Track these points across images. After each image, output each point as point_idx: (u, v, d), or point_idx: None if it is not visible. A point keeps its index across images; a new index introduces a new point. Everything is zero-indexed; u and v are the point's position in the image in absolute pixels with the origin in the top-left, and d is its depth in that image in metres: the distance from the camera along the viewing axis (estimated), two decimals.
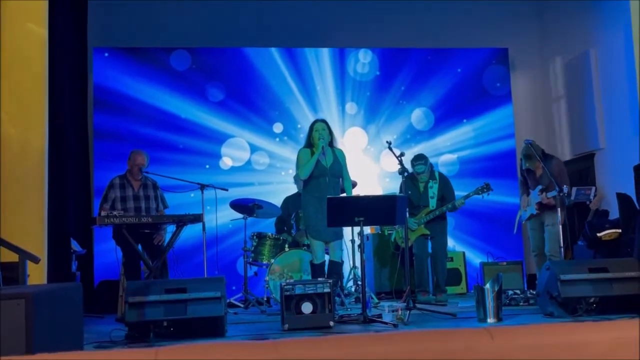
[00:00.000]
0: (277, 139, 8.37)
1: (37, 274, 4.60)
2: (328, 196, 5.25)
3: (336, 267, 5.87)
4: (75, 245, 6.54)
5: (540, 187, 6.39)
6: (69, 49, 7.01)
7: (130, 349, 1.69)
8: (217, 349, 1.31)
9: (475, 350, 1.41)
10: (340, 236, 5.84)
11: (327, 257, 5.97)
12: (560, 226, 5.94)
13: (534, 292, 5.63)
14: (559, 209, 5.94)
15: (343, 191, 6.14)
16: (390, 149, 6.07)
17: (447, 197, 6.72)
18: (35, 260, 4.22)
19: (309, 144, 5.88)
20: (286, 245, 6.78)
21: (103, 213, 5.69)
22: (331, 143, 5.90)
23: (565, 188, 5.93)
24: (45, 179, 5.11)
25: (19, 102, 5.01)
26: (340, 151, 5.98)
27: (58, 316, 3.33)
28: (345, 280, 6.96)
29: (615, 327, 1.71)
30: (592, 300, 4.82)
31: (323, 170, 5.72)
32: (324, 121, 5.96)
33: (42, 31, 5.25)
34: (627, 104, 7.44)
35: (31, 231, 4.85)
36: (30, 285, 4.05)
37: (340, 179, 5.92)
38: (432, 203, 6.67)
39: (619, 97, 7.66)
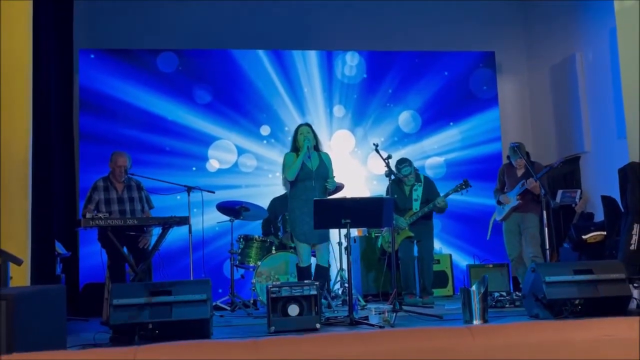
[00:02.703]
0: (265, 142, 8.36)
1: (20, 276, 4.55)
2: (315, 198, 5.25)
3: (323, 272, 5.85)
4: (59, 248, 6.48)
5: (522, 181, 6.44)
6: (55, 50, 6.96)
7: (110, 349, 1.68)
8: (197, 349, 1.29)
9: (457, 349, 1.41)
10: (326, 239, 5.83)
11: (313, 261, 5.95)
12: (546, 228, 5.96)
13: (520, 294, 5.65)
14: (544, 211, 5.97)
15: (331, 193, 6.13)
16: (378, 151, 6.08)
17: (431, 199, 6.73)
18: (18, 262, 4.17)
19: (295, 147, 5.88)
20: (273, 248, 6.76)
21: (88, 215, 5.64)
22: (317, 147, 5.89)
23: (555, 163, 6.04)
24: (29, 181, 5.06)
25: (2, 104, 4.96)
26: (327, 155, 5.97)
27: (40, 318, 3.30)
28: (332, 282, 6.95)
29: (598, 326, 1.72)
30: (577, 302, 4.84)
31: (309, 173, 5.72)
32: (308, 125, 5.97)
33: (26, 32, 5.20)
34: (612, 107, 7.50)
35: (14, 233, 4.80)
36: (12, 287, 4.01)
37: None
38: (416, 205, 6.68)
39: (605, 100, 7.72)
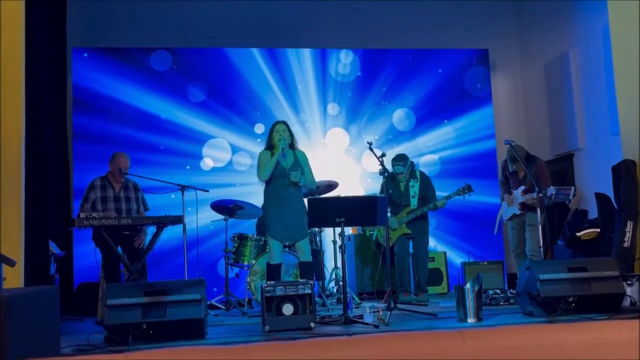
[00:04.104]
0: (259, 140, 8.34)
1: (13, 278, 4.54)
2: (309, 197, 5.23)
3: (308, 267, 5.80)
4: (53, 248, 6.47)
5: (523, 187, 6.44)
6: (48, 49, 6.93)
7: (99, 355, 1.67)
8: (187, 354, 1.29)
9: (447, 353, 1.41)
10: (304, 235, 5.78)
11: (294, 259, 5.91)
12: (540, 227, 5.97)
13: (514, 292, 5.66)
14: (538, 210, 5.97)
15: (307, 194, 6.06)
16: (372, 149, 6.08)
17: (428, 196, 6.74)
18: (11, 263, 4.14)
19: (270, 145, 5.81)
20: (267, 247, 6.74)
21: (82, 214, 5.62)
22: (292, 145, 5.84)
23: (549, 190, 5.96)
24: (23, 180, 5.04)
25: None
26: (302, 152, 5.88)
27: (34, 320, 3.29)
28: (327, 281, 6.95)
29: (589, 329, 1.72)
30: (571, 299, 4.85)
31: (283, 171, 5.67)
32: (284, 122, 5.88)
33: (19, 31, 5.18)
34: (605, 104, 7.51)
35: (8, 234, 4.78)
36: (5, 289, 3.99)
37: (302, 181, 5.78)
38: (414, 202, 6.69)
39: (598, 98, 7.73)
